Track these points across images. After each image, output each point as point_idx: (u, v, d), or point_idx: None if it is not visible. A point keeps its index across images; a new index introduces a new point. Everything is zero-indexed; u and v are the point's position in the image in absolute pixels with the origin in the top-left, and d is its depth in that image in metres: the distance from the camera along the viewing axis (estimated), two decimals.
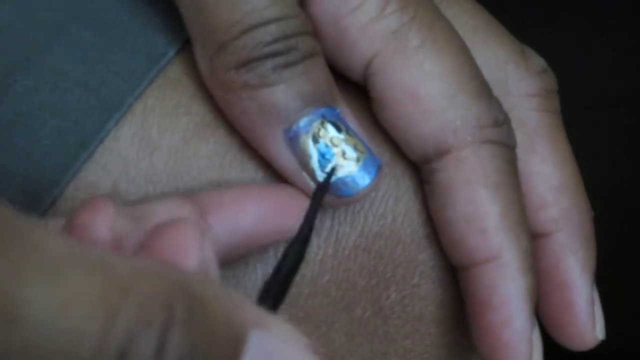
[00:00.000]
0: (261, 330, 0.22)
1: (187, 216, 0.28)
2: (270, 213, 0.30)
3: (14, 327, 0.19)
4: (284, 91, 0.30)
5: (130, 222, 0.27)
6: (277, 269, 0.26)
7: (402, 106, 0.31)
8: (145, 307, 0.20)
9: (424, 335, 0.34)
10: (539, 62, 0.35)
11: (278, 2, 0.30)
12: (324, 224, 0.32)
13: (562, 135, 0.35)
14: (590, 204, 0.36)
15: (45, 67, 0.31)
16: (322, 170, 0.31)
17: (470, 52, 0.32)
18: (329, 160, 0.31)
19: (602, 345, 0.35)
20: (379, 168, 0.31)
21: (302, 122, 0.30)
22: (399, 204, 0.33)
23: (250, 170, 0.32)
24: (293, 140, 0.30)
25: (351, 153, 0.31)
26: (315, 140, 0.30)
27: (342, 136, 0.31)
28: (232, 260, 0.31)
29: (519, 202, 0.32)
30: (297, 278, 0.32)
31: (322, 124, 0.30)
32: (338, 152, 0.31)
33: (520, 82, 0.34)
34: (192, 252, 0.25)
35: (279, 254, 0.32)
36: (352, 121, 0.31)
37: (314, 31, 0.31)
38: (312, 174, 0.31)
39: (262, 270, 0.32)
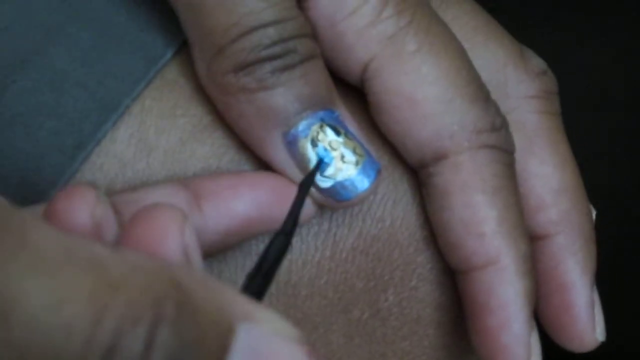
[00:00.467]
0: (249, 323, 0.22)
1: (179, 203, 0.29)
2: (265, 200, 0.30)
3: (5, 322, 0.19)
4: (282, 94, 0.30)
5: (112, 209, 0.27)
6: (261, 261, 0.26)
7: (399, 111, 0.31)
8: (134, 304, 0.20)
9: (422, 337, 0.34)
10: (538, 63, 0.35)
11: (276, 4, 0.29)
12: (321, 226, 0.32)
13: (562, 136, 0.35)
14: (590, 205, 0.36)
15: (43, 67, 0.31)
16: (321, 174, 0.30)
17: (468, 56, 0.32)
18: (327, 164, 0.30)
19: (602, 345, 0.35)
20: (378, 172, 0.31)
21: (301, 125, 0.30)
22: (397, 207, 0.33)
23: (247, 171, 0.32)
24: (292, 144, 0.30)
25: (350, 156, 0.31)
26: (314, 144, 0.30)
27: (341, 139, 0.31)
28: (225, 247, 0.31)
29: (517, 205, 0.32)
30: (295, 279, 0.32)
31: (321, 127, 0.30)
32: (337, 156, 0.31)
33: (519, 84, 0.34)
34: (172, 238, 0.25)
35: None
36: (351, 124, 0.31)
37: (312, 33, 0.31)
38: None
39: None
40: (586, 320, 0.34)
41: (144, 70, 0.32)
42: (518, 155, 0.33)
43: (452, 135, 0.31)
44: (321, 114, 0.30)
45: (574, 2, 0.50)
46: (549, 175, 0.34)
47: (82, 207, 0.25)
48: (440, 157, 0.31)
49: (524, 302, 0.31)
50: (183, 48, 0.32)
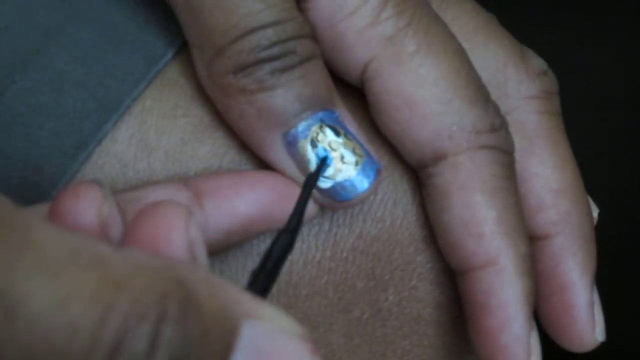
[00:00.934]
0: (253, 321, 0.22)
1: (181, 201, 0.29)
2: (266, 199, 0.30)
3: (12, 322, 0.20)
4: (282, 95, 0.30)
5: (117, 207, 0.27)
6: (265, 259, 0.26)
7: (399, 111, 0.31)
8: (139, 303, 0.21)
9: (422, 336, 0.34)
10: (539, 63, 0.35)
11: (274, 5, 0.29)
12: (322, 226, 0.32)
13: (562, 137, 0.35)
14: (593, 204, 0.36)
15: (43, 68, 0.31)
16: (321, 174, 0.31)
17: (468, 56, 0.32)
18: (327, 165, 0.30)
19: (602, 345, 0.35)
20: (377, 172, 0.31)
21: (301, 126, 0.30)
22: (397, 207, 0.33)
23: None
24: (291, 145, 0.30)
25: (350, 157, 0.31)
26: (314, 144, 0.30)
27: (340, 140, 0.31)
28: (226, 247, 0.31)
29: (517, 206, 0.32)
30: (296, 279, 0.32)
31: (321, 128, 0.30)
32: (336, 157, 0.31)
33: (519, 85, 0.34)
34: (177, 234, 0.25)
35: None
36: (351, 124, 0.31)
37: (312, 34, 0.31)
38: None
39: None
40: (586, 321, 0.34)
41: (145, 71, 0.32)
42: (518, 155, 0.33)
43: (451, 135, 0.31)
44: (321, 114, 0.30)
45: (574, 2, 0.50)
46: (549, 176, 0.34)
47: (88, 206, 0.26)
48: (439, 158, 0.31)
49: (524, 302, 0.31)
50: (184, 48, 0.32)
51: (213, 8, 0.29)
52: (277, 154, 0.31)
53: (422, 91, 0.31)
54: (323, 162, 0.30)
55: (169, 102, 0.32)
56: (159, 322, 0.21)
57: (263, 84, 0.30)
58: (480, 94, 0.32)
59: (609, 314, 0.35)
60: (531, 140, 0.34)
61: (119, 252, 0.21)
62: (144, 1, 0.33)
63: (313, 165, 0.30)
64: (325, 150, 0.30)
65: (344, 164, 0.31)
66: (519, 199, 0.32)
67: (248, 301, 0.22)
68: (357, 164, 0.31)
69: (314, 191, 0.31)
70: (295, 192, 0.30)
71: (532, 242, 0.34)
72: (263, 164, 0.32)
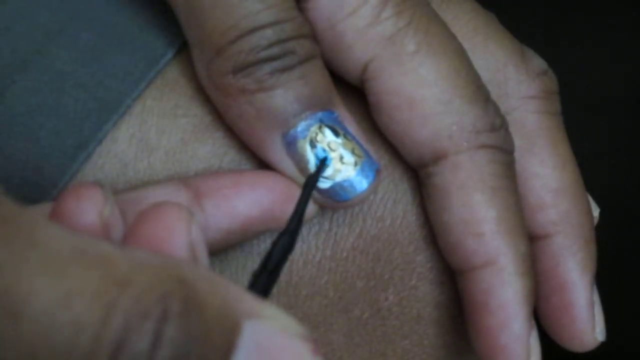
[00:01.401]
0: (255, 320, 0.22)
1: (181, 202, 0.29)
2: (266, 199, 0.30)
3: (16, 320, 0.20)
4: (281, 95, 0.30)
5: (119, 208, 0.27)
6: (266, 260, 0.26)
7: (398, 111, 0.31)
8: (142, 301, 0.21)
9: (422, 336, 0.34)
10: (539, 63, 0.35)
11: (274, 6, 0.29)
12: (322, 225, 0.32)
13: (562, 136, 0.35)
14: (594, 203, 0.36)
15: (43, 68, 0.31)
16: (321, 175, 0.31)
17: (468, 56, 0.32)
18: (326, 165, 0.31)
19: (602, 345, 0.35)
20: (377, 172, 0.31)
21: (300, 126, 0.30)
22: (397, 206, 0.33)
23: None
24: (290, 145, 0.30)
25: (349, 158, 0.31)
26: (313, 145, 0.30)
27: (339, 140, 0.31)
28: (226, 246, 0.31)
29: (516, 205, 0.32)
30: (296, 279, 0.32)
31: (320, 128, 0.30)
32: (336, 157, 0.31)
33: (519, 85, 0.34)
34: (179, 235, 0.25)
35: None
36: (350, 125, 0.31)
37: (312, 34, 0.31)
38: None
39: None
40: (586, 320, 0.34)
41: (145, 70, 0.32)
42: (518, 155, 0.33)
43: (451, 135, 0.31)
44: (320, 114, 0.30)
45: (574, 2, 0.50)
46: (549, 175, 0.34)
47: (90, 207, 0.26)
48: (439, 157, 0.31)
49: (523, 302, 0.31)
50: (184, 48, 0.32)
51: (213, 8, 0.29)
52: (277, 154, 0.31)
53: (422, 91, 0.31)
54: (323, 163, 0.30)
55: (169, 102, 0.32)
56: (161, 320, 0.21)
57: (263, 84, 0.30)
58: (480, 93, 0.32)
59: (609, 314, 0.35)
60: (531, 140, 0.34)
61: (121, 251, 0.22)
62: (144, 1, 0.33)
63: (312, 165, 0.30)
64: (324, 150, 0.30)
65: (343, 165, 0.31)
66: (518, 199, 0.32)
67: (250, 300, 0.23)
68: (356, 164, 0.31)
69: (314, 191, 0.31)
70: (295, 192, 0.30)
71: (532, 242, 0.34)
72: (263, 164, 0.32)
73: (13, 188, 0.31)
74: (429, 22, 0.32)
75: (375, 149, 0.32)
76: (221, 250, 0.31)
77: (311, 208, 0.31)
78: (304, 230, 0.32)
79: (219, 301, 0.22)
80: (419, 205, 0.33)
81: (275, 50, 0.30)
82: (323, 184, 0.31)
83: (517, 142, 0.33)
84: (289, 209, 0.28)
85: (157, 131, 0.32)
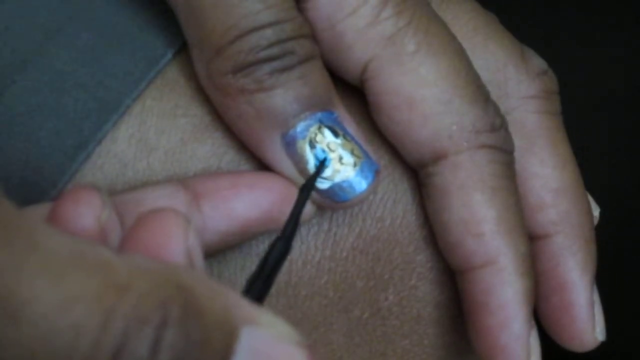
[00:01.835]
0: (252, 326, 0.22)
1: (179, 204, 0.29)
2: (264, 200, 0.30)
3: (16, 323, 0.20)
4: (280, 96, 0.30)
5: (117, 210, 0.27)
6: (262, 264, 0.26)
7: (398, 111, 0.31)
8: (141, 306, 0.21)
9: (422, 336, 0.34)
10: (539, 63, 0.35)
11: (273, 6, 0.29)
12: (321, 225, 0.32)
13: (562, 136, 0.35)
14: (594, 203, 0.36)
15: (43, 68, 0.31)
16: (319, 175, 0.31)
17: (467, 56, 0.32)
18: (325, 166, 0.30)
19: (602, 345, 0.35)
20: (376, 173, 0.31)
21: (299, 127, 0.30)
22: (397, 206, 0.33)
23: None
24: (290, 145, 0.30)
25: (348, 158, 0.31)
26: (312, 145, 0.30)
27: (339, 141, 0.31)
28: (225, 247, 0.31)
29: (516, 205, 0.32)
30: (295, 279, 0.32)
31: (319, 129, 0.30)
32: (335, 157, 0.31)
33: (519, 84, 0.34)
34: (176, 242, 0.25)
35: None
36: (350, 125, 0.31)
37: (312, 34, 0.31)
38: None
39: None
40: (586, 320, 0.34)
41: (145, 70, 0.32)
42: (518, 155, 0.33)
43: (451, 135, 0.31)
44: (319, 115, 0.30)
45: (574, 2, 0.50)
46: (549, 175, 0.34)
47: (88, 211, 0.26)
48: (439, 157, 0.31)
49: (523, 301, 0.31)
50: (184, 48, 0.32)
51: (213, 8, 0.29)
52: (276, 154, 0.31)
53: (422, 91, 0.31)
54: (322, 164, 0.30)
55: (169, 102, 0.32)
56: (161, 325, 0.21)
57: (262, 84, 0.30)
58: (480, 93, 0.32)
59: (609, 314, 0.35)
60: (531, 139, 0.34)
61: (121, 256, 0.22)
62: (144, 1, 0.33)
63: (311, 165, 0.30)
64: (323, 151, 0.30)
65: (342, 165, 0.31)
66: (518, 199, 0.32)
67: (247, 306, 0.23)
68: (355, 165, 0.31)
69: (313, 192, 0.31)
70: (294, 193, 0.30)
71: (532, 242, 0.34)
72: (262, 164, 0.32)
73: (13, 188, 0.31)
74: (429, 22, 0.32)
75: (374, 149, 0.32)
76: (219, 251, 0.31)
77: (308, 209, 0.31)
78: (303, 231, 0.32)
79: (218, 307, 0.22)
80: (418, 205, 0.33)
81: (274, 50, 0.30)
82: (322, 184, 0.31)
83: (517, 142, 0.33)
84: (288, 209, 0.28)
85: (156, 131, 0.32)
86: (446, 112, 0.31)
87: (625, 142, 0.50)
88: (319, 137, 0.30)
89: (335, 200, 0.31)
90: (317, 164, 0.30)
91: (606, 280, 0.37)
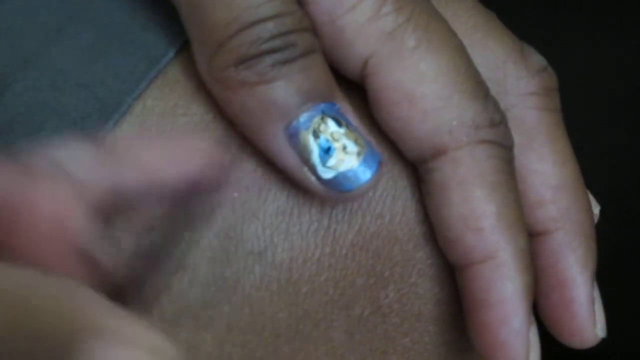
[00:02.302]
0: (94, 337, 0.20)
1: (88, 160, 0.27)
2: (182, 161, 0.29)
3: None
4: (282, 88, 0.30)
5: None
6: (142, 257, 0.26)
7: (398, 107, 0.31)
8: None
9: (422, 333, 0.34)
10: (538, 60, 0.35)
11: None
12: (321, 222, 0.32)
13: (561, 133, 0.35)
14: (594, 200, 0.36)
15: (43, 67, 0.31)
16: (324, 165, 0.30)
17: (467, 52, 0.32)
18: (330, 155, 0.30)
19: (602, 344, 0.35)
20: (380, 163, 0.31)
21: (302, 117, 0.30)
22: (396, 203, 0.33)
23: (249, 168, 0.32)
24: (293, 137, 0.30)
25: (352, 147, 0.31)
26: (316, 135, 0.30)
27: (342, 131, 0.31)
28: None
29: (516, 201, 0.32)
30: (296, 276, 0.32)
31: (323, 119, 0.30)
32: (339, 147, 0.31)
33: (518, 81, 0.34)
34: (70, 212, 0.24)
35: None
36: (352, 117, 0.31)
37: (312, 28, 0.31)
38: (313, 169, 0.30)
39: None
40: (586, 317, 0.34)
41: (146, 70, 0.32)
42: (518, 151, 0.33)
43: (451, 130, 0.31)
44: (322, 106, 0.30)
45: (574, 2, 0.50)
46: (549, 172, 0.34)
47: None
48: (439, 153, 0.31)
49: (523, 297, 0.31)
50: (184, 47, 0.33)
51: (214, 3, 0.29)
52: (279, 146, 0.30)
53: (421, 87, 0.31)
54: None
55: (169, 101, 0.32)
56: None
57: (264, 76, 0.30)
58: (479, 89, 0.32)
59: (609, 313, 0.35)
60: (531, 136, 0.34)
61: None
62: (145, 0, 0.33)
63: (316, 156, 0.30)
64: (327, 140, 0.30)
65: (346, 154, 0.31)
66: (518, 194, 0.32)
67: (94, 308, 0.21)
68: (359, 154, 0.31)
69: (317, 182, 0.31)
70: (206, 152, 0.29)
71: (531, 238, 0.34)
72: (264, 160, 0.32)
73: None
74: (429, 18, 0.32)
75: (374, 145, 0.32)
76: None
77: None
78: (302, 228, 0.32)
79: (52, 315, 0.20)
80: (418, 201, 0.33)
81: (276, 42, 0.30)
82: (326, 173, 0.30)
83: (517, 138, 0.33)
84: (199, 168, 0.27)
85: (157, 131, 0.32)
86: (446, 107, 0.31)
87: (625, 142, 0.50)
88: (322, 127, 0.30)
89: (340, 190, 0.31)
90: (322, 154, 0.30)
91: (606, 280, 0.37)
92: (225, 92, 0.30)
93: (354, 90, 0.33)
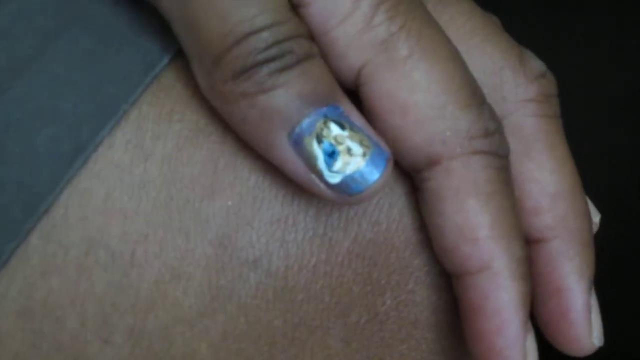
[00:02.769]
0: None
1: None
2: None
3: None
4: (282, 94, 0.30)
5: None
6: None
7: (392, 117, 0.31)
8: None
9: (419, 340, 0.34)
10: (537, 65, 0.35)
11: (268, 9, 0.29)
12: (316, 230, 0.32)
13: (560, 139, 0.35)
14: (594, 209, 0.36)
15: (40, 73, 0.31)
16: (330, 169, 0.30)
17: (462, 60, 0.32)
18: (334, 159, 0.30)
19: (602, 347, 0.34)
20: (387, 161, 0.31)
21: (305, 123, 0.30)
22: (392, 210, 0.33)
23: (243, 175, 0.32)
24: (297, 143, 0.30)
25: (357, 149, 0.30)
26: (319, 140, 0.30)
27: (345, 133, 0.30)
28: None
29: (512, 210, 0.32)
30: (292, 284, 0.32)
31: (325, 123, 0.30)
32: (343, 150, 0.30)
33: (516, 88, 0.34)
34: None
35: None
36: (357, 118, 0.31)
37: (308, 34, 0.31)
38: (320, 175, 0.30)
39: None
40: (583, 325, 0.34)
41: (142, 75, 0.32)
42: (515, 159, 0.33)
43: (445, 141, 0.31)
44: (324, 110, 0.30)
45: (574, 2, 0.50)
46: (546, 180, 0.34)
47: None
48: (433, 163, 0.31)
49: (519, 306, 0.31)
50: (180, 53, 0.32)
51: (207, 19, 0.29)
52: (284, 153, 0.30)
53: (415, 96, 0.31)
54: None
55: (165, 107, 0.32)
56: None
57: (262, 85, 0.29)
58: (474, 98, 0.32)
59: (609, 316, 0.35)
60: (528, 143, 0.34)
61: None
62: (142, 6, 0.33)
63: (321, 162, 0.30)
64: (331, 144, 0.30)
65: (351, 157, 0.30)
66: (514, 202, 0.32)
67: None
68: (365, 155, 0.30)
69: (325, 189, 0.30)
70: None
71: (529, 246, 0.33)
72: (260, 166, 0.32)
73: (9, 193, 0.31)
74: (422, 26, 0.31)
75: None
76: None
77: None
78: (298, 235, 0.32)
79: None
80: (414, 209, 0.33)
81: (273, 51, 0.29)
82: (333, 178, 0.30)
83: (514, 145, 0.33)
84: None
85: (152, 136, 0.32)
86: (439, 117, 0.31)
87: (625, 142, 0.50)
88: (325, 132, 0.30)
89: (349, 194, 0.30)
90: (327, 158, 0.30)
91: (606, 281, 0.37)
92: (227, 106, 0.30)
93: (352, 99, 0.33)
